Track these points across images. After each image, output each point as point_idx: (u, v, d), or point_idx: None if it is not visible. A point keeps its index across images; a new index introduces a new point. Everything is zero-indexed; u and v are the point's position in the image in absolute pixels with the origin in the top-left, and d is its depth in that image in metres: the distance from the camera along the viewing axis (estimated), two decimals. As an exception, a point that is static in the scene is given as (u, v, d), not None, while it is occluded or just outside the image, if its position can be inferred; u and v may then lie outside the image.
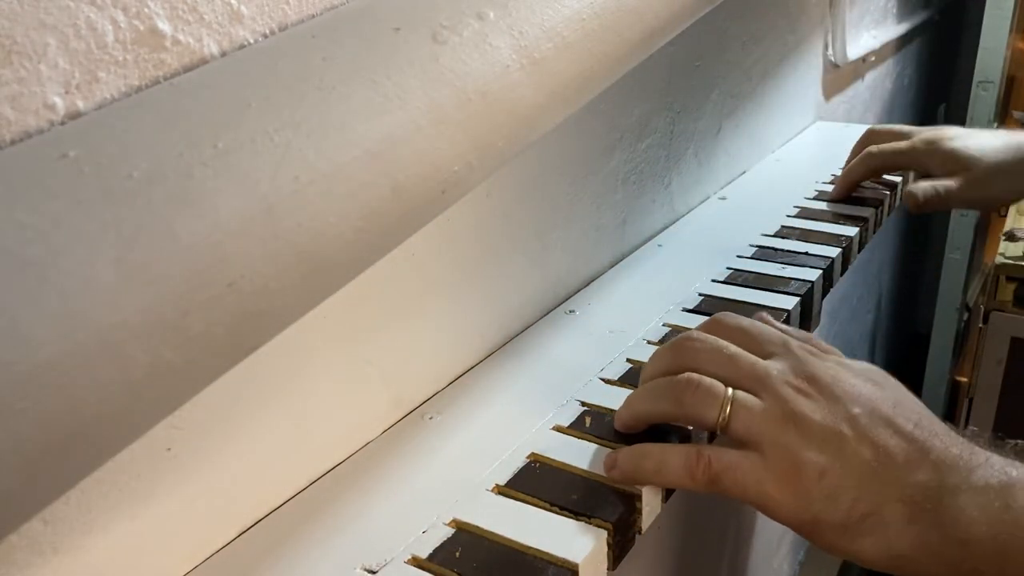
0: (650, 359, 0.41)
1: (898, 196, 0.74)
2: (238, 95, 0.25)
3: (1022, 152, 0.66)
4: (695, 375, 0.37)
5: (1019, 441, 0.36)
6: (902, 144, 0.69)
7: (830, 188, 0.73)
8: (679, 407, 0.37)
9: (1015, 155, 0.66)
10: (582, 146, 0.54)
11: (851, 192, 0.72)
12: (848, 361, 0.38)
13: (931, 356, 1.62)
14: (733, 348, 0.38)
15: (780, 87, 0.84)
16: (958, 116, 1.47)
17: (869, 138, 0.73)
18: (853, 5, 0.99)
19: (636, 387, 0.44)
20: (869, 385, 0.36)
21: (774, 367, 0.36)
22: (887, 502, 0.33)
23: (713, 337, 0.38)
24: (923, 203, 0.67)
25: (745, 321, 0.40)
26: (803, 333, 0.41)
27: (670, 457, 0.36)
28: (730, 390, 0.36)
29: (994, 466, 0.33)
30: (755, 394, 0.36)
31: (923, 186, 0.67)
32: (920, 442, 0.34)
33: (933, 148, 0.67)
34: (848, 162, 0.73)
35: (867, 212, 0.67)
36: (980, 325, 1.37)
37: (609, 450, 0.39)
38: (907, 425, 0.34)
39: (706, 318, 0.42)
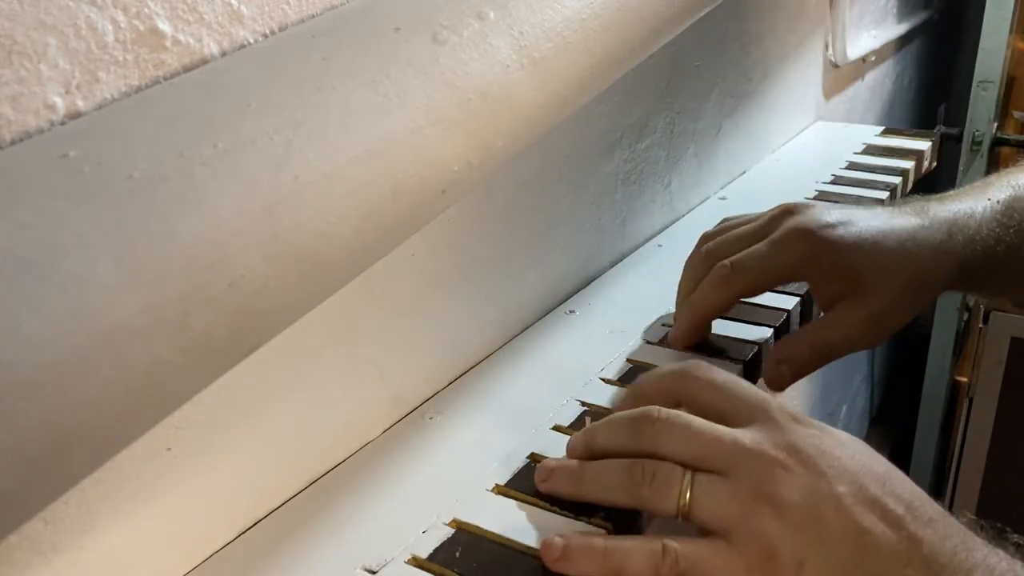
0: (605, 426, 0.36)
1: (897, 197, 0.74)
2: (238, 95, 0.25)
3: (919, 240, 0.43)
4: (649, 463, 0.33)
5: (1021, 539, 0.32)
6: (760, 248, 0.43)
7: (830, 188, 0.73)
8: (633, 499, 0.33)
9: (915, 249, 0.43)
10: (582, 146, 0.54)
11: (703, 333, 0.48)
12: (832, 430, 0.34)
13: (931, 356, 1.62)
14: (698, 424, 0.33)
15: (780, 87, 0.84)
16: (958, 116, 1.47)
17: (707, 254, 0.46)
18: (853, 5, 0.99)
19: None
20: (858, 458, 0.32)
21: (747, 437, 0.32)
22: None
23: (676, 413, 0.34)
24: (797, 369, 0.45)
25: (719, 376, 0.35)
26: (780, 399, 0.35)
27: (632, 555, 0.31)
28: (688, 475, 0.32)
29: (994, 569, 0.29)
30: (724, 473, 0.32)
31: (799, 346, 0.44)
32: (911, 531, 0.30)
33: (806, 258, 0.43)
34: (682, 290, 0.48)
35: (867, 212, 0.67)
36: (980, 325, 1.37)
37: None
38: (897, 508, 0.30)
39: (677, 360, 0.36)
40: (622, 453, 0.34)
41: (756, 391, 0.34)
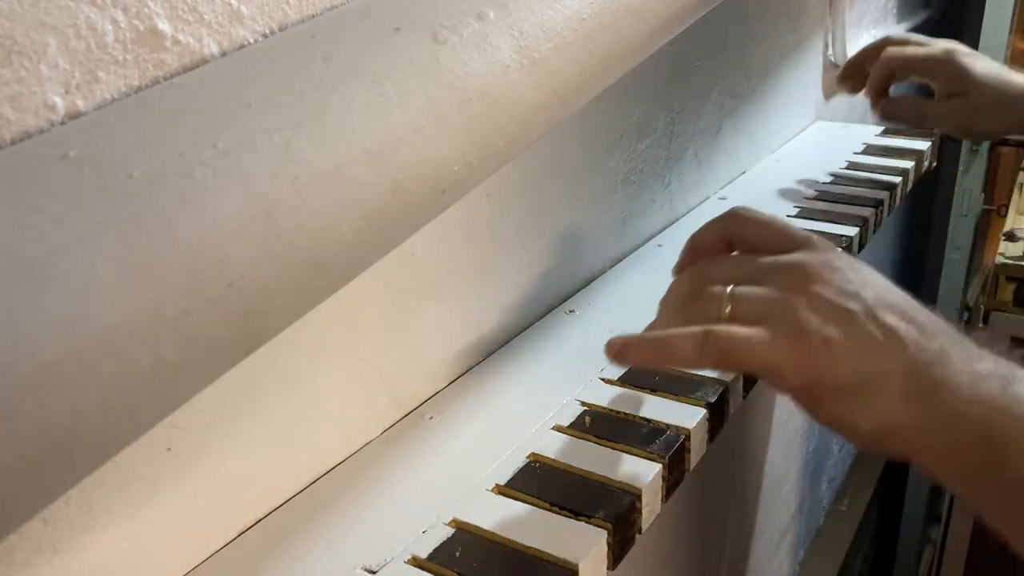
0: (668, 288, 0.40)
1: (897, 197, 0.74)
2: (238, 95, 0.25)
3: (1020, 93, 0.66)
4: (700, 290, 0.37)
5: None
6: (920, 49, 0.68)
7: (830, 187, 0.73)
8: (687, 318, 0.37)
9: (1014, 95, 0.65)
10: (582, 146, 0.54)
11: (885, 95, 0.71)
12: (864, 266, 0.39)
13: (931, 356, 1.62)
14: (742, 255, 0.39)
15: (780, 87, 0.84)
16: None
17: (885, 42, 0.71)
18: (853, 5, 0.99)
19: (637, 387, 0.44)
20: (884, 282, 0.36)
21: (787, 258, 0.37)
22: (889, 373, 0.33)
23: (724, 256, 0.39)
24: (895, 114, 0.71)
25: (764, 214, 0.40)
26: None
27: (679, 341, 0.35)
28: (730, 287, 0.36)
29: (1000, 362, 0.34)
30: (764, 282, 0.36)
31: (904, 103, 0.71)
32: (930, 331, 0.34)
33: (946, 60, 0.67)
34: (852, 64, 0.73)
35: (867, 212, 0.67)
36: (980, 325, 1.37)
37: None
38: (918, 316, 0.35)
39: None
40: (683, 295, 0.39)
41: (799, 230, 0.39)
